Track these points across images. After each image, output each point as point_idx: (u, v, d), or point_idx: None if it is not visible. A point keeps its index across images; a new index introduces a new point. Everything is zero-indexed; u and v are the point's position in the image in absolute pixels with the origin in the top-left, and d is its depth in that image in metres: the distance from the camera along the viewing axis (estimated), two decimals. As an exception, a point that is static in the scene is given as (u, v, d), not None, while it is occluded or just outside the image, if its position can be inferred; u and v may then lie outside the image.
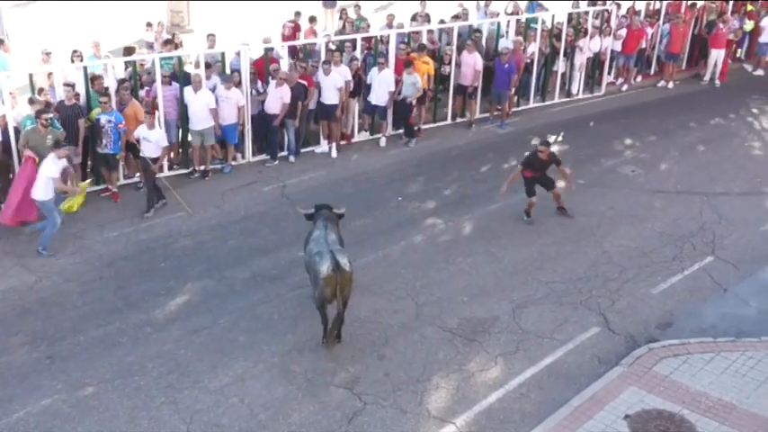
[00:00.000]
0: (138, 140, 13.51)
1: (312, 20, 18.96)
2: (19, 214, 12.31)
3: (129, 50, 16.09)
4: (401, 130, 17.00)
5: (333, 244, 10.13)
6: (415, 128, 17.09)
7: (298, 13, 19.21)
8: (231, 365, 9.90)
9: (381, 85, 16.08)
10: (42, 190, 11.84)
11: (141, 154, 13.41)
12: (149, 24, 19.12)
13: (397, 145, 16.78)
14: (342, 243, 10.43)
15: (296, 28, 18.89)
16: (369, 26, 18.63)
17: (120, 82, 14.04)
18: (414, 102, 16.42)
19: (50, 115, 12.48)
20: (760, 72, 22.38)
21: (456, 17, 19.16)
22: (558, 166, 13.53)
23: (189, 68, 14.85)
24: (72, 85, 13.25)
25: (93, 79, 13.77)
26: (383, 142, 16.80)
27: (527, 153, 13.90)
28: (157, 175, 13.55)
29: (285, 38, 18.06)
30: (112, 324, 10.64)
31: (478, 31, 17.80)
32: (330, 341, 10.13)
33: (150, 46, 18.22)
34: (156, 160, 13.31)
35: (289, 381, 9.68)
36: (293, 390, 9.54)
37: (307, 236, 10.67)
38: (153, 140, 13.27)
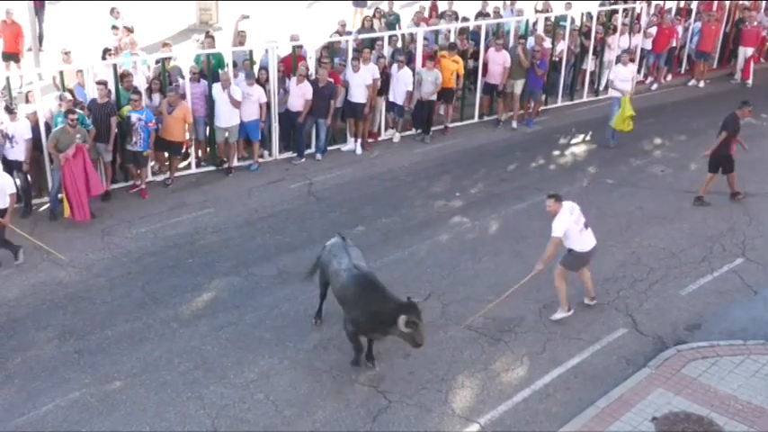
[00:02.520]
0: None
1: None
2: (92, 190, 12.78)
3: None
4: (418, 130, 17.00)
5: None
6: (443, 126, 17.06)
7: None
8: (257, 362, 9.94)
9: (399, 83, 16.07)
10: None
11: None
12: (115, 28, 17.02)
13: (423, 143, 16.75)
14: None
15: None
16: (398, 22, 18.64)
17: (152, 80, 14.21)
18: (434, 99, 16.39)
19: (77, 115, 12.58)
20: None
21: (482, 14, 19.12)
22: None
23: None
24: (105, 83, 13.36)
25: (122, 77, 13.90)
26: (397, 138, 16.79)
27: (726, 116, 13.90)
28: (8, 227, 11.79)
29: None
30: (140, 319, 10.74)
31: (506, 29, 17.76)
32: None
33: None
34: (4, 213, 11.60)
35: (314, 378, 9.70)
36: (318, 387, 9.56)
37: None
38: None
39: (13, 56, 17.70)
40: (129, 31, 16.49)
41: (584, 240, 10.72)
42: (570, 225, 10.56)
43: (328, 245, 10.25)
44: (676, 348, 10.31)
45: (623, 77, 16.94)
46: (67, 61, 14.75)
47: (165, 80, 14.33)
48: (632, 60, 18.27)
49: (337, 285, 9.78)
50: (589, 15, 18.83)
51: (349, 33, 17.15)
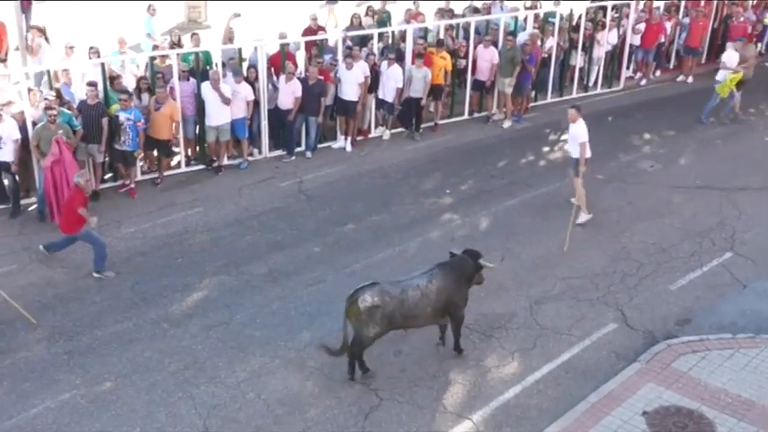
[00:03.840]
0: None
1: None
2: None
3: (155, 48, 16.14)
4: (407, 129, 16.98)
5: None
6: (429, 123, 17.06)
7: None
8: (248, 361, 9.92)
9: (389, 80, 16.06)
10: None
11: None
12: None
13: (413, 140, 16.74)
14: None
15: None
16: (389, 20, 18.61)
17: (140, 79, 14.16)
18: (424, 98, 16.39)
19: (56, 110, 12.49)
20: None
21: (476, 10, 19.14)
22: None
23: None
24: (95, 85, 13.31)
25: (112, 79, 13.85)
26: (386, 135, 16.79)
27: None
28: None
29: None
30: (130, 320, 10.70)
31: (495, 25, 17.74)
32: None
33: None
34: None
35: (305, 376, 9.69)
36: (310, 385, 9.55)
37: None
38: None
39: None
40: (41, 31, 16.28)
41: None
42: None
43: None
44: (666, 343, 10.35)
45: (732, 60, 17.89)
46: (70, 55, 14.66)
47: (154, 79, 14.23)
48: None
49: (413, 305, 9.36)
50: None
51: (323, 30, 17.08)
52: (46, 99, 12.95)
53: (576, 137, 13.19)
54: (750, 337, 10.51)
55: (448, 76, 16.98)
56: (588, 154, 13.06)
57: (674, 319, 11.03)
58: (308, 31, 17.50)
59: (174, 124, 14.22)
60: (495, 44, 17.27)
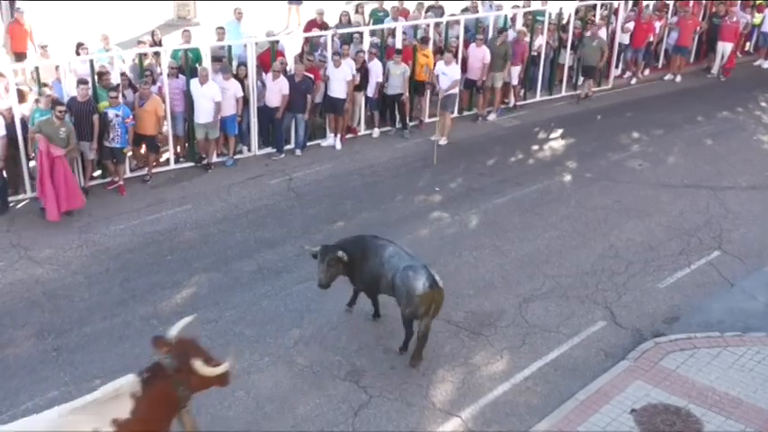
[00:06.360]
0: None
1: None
2: (65, 204, 12.66)
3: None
4: (392, 127, 17.02)
5: (418, 259, 9.82)
6: (412, 122, 17.08)
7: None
8: (237, 358, 9.91)
9: (371, 75, 16.13)
10: None
11: None
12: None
13: (403, 138, 16.77)
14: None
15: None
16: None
17: (121, 75, 14.12)
18: (405, 94, 16.42)
19: (65, 107, 12.53)
20: (765, 64, 22.31)
21: (465, 10, 19.16)
22: None
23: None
24: (87, 83, 13.26)
25: (100, 75, 13.80)
26: (376, 133, 16.84)
27: None
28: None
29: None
30: (119, 316, 10.67)
31: (484, 23, 17.80)
32: (416, 359, 9.77)
33: None
34: None
35: (295, 374, 9.70)
36: (299, 382, 9.56)
37: (377, 258, 10.01)
38: None
39: None
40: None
41: None
42: None
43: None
44: (654, 341, 10.40)
45: None
46: (45, 56, 14.61)
47: (142, 75, 14.19)
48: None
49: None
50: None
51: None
52: (41, 97, 12.90)
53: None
54: (737, 335, 10.57)
55: (431, 74, 17.01)
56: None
57: (662, 317, 11.09)
58: (312, 23, 17.54)
59: (158, 119, 14.14)
60: (487, 43, 17.32)
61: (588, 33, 18.57)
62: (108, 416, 6.68)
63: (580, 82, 19.43)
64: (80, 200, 13.00)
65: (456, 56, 17.19)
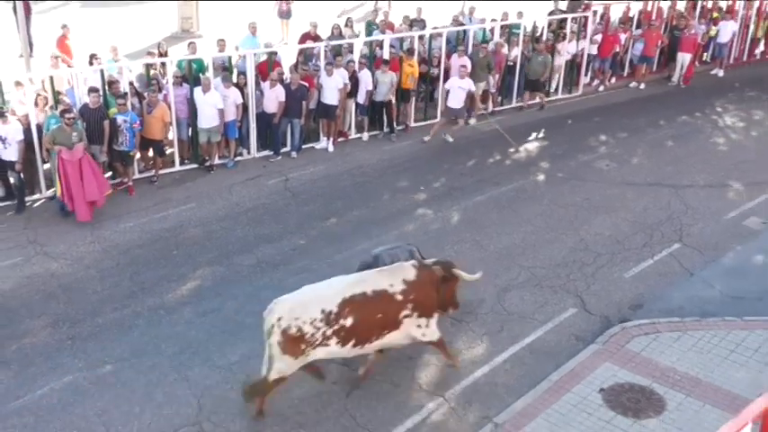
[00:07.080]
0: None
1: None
2: (99, 193, 12.64)
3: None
4: (380, 131, 16.98)
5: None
6: (399, 126, 17.07)
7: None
8: (238, 345, 9.90)
9: (361, 83, 16.12)
10: None
11: None
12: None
13: (390, 141, 16.76)
14: None
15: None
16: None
17: (130, 83, 14.06)
18: (392, 100, 16.42)
19: (73, 115, 12.46)
20: (720, 73, 22.43)
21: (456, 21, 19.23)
22: None
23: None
24: (97, 91, 13.20)
25: (110, 84, 13.74)
26: (365, 137, 16.82)
27: None
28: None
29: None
30: (129, 307, 10.64)
31: (465, 34, 17.83)
32: None
33: None
34: None
35: (291, 358, 9.66)
36: (296, 367, 9.53)
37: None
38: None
39: None
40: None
41: None
42: None
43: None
44: (621, 326, 10.45)
45: None
46: (56, 66, 14.53)
47: (149, 84, 14.13)
48: None
49: None
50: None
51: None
52: (60, 102, 12.83)
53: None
54: (696, 320, 10.63)
55: (416, 82, 17.03)
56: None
57: (627, 304, 11.15)
58: (306, 36, 17.50)
59: (165, 125, 14.10)
60: (467, 53, 17.34)
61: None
62: (399, 277, 8.71)
63: (524, 96, 19.04)
64: (108, 185, 13.13)
65: (438, 66, 17.23)
